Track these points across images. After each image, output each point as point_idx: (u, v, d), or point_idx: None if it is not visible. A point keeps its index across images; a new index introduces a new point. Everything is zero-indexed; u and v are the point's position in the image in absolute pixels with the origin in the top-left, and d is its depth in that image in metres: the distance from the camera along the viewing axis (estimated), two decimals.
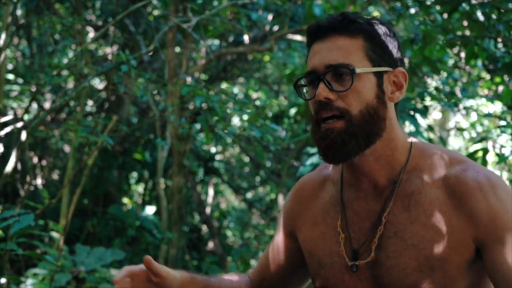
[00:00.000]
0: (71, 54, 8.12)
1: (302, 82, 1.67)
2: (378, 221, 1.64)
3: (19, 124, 5.46)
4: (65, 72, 6.41)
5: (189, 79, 5.85)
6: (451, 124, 9.73)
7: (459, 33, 4.57)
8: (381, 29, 1.63)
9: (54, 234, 5.44)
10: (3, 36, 4.98)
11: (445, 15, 4.53)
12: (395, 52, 1.65)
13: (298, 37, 6.40)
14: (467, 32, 4.55)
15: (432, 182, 1.62)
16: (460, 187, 1.59)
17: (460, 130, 8.15)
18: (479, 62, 5.43)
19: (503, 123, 4.98)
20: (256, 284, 1.89)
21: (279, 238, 1.87)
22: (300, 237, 1.80)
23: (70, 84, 7.51)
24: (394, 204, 1.64)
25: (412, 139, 1.70)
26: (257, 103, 8.74)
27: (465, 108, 6.14)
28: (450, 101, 5.51)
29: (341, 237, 1.68)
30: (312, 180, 1.82)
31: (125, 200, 8.79)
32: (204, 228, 9.80)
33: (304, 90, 1.67)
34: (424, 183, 1.63)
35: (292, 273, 1.86)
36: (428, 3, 4.53)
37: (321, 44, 1.62)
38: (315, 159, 4.79)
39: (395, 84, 1.65)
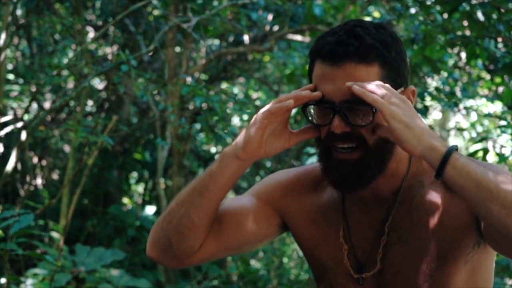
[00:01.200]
0: (71, 54, 8.12)
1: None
2: (381, 231, 1.62)
3: (19, 124, 5.46)
4: (65, 72, 6.40)
5: (189, 79, 5.85)
6: (451, 124, 9.73)
7: (459, 33, 4.57)
8: (394, 49, 1.56)
9: (54, 234, 5.44)
10: (3, 36, 4.98)
11: (445, 15, 4.53)
12: (406, 70, 1.60)
13: (298, 37, 6.40)
14: (467, 32, 4.55)
15: (431, 183, 1.61)
16: None
17: (460, 130, 8.16)
18: (479, 62, 5.43)
19: (503, 123, 4.98)
20: (213, 235, 1.70)
21: (257, 202, 1.73)
22: (293, 228, 1.73)
23: (70, 84, 7.51)
24: (397, 212, 1.62)
25: None
26: (257, 103, 8.73)
27: (465, 108, 6.14)
28: (450, 101, 5.51)
29: (344, 248, 1.66)
30: (315, 173, 1.73)
31: (125, 200, 8.79)
32: None
33: (311, 112, 1.58)
34: (424, 185, 1.62)
35: (249, 237, 1.73)
36: (428, 3, 4.53)
37: (334, 70, 1.52)
38: (315, 159, 4.79)
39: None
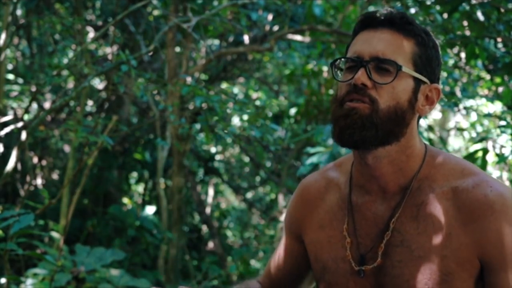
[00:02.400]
0: (71, 54, 8.12)
1: (341, 64, 1.65)
2: (386, 227, 1.62)
3: (19, 124, 5.46)
4: (65, 72, 6.41)
5: (189, 79, 5.85)
6: (451, 124, 9.73)
7: (459, 33, 4.57)
8: (432, 43, 1.61)
9: (54, 234, 5.44)
10: (3, 36, 4.98)
11: (445, 15, 4.53)
12: (437, 69, 1.63)
13: (298, 37, 6.39)
14: (467, 32, 4.55)
15: (442, 193, 1.60)
16: (471, 204, 1.56)
17: (460, 130, 8.15)
18: (479, 62, 5.43)
19: (503, 123, 4.98)
20: None
21: (287, 243, 1.85)
22: (306, 240, 1.78)
23: (70, 84, 7.51)
24: (403, 212, 1.61)
25: (428, 148, 1.67)
26: (257, 103, 8.74)
27: (465, 108, 6.14)
28: (450, 101, 5.52)
29: (347, 242, 1.66)
30: (317, 183, 1.79)
31: (125, 200, 8.79)
32: (204, 228, 9.80)
33: (338, 72, 1.64)
34: (435, 193, 1.60)
35: (301, 277, 1.84)
36: (428, 3, 4.52)
37: (372, 33, 1.59)
38: (315, 159, 4.79)
39: (428, 99, 1.63)
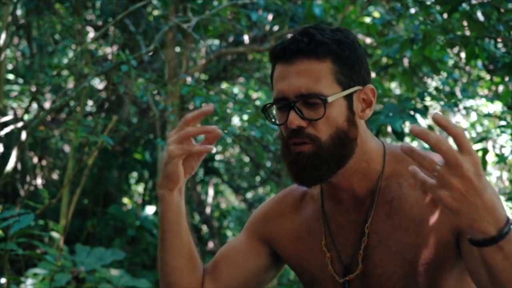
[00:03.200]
0: (71, 54, 8.12)
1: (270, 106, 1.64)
2: (362, 232, 1.63)
3: (19, 124, 5.47)
4: (65, 72, 6.41)
5: (189, 79, 5.85)
6: None
7: (459, 33, 4.57)
8: (348, 48, 1.58)
9: (54, 234, 5.44)
10: (3, 36, 4.99)
11: (445, 15, 4.53)
12: (363, 69, 1.61)
13: None
14: (467, 32, 4.54)
15: (409, 186, 1.61)
16: None
17: None
18: (479, 62, 5.42)
19: (503, 123, 4.98)
20: (209, 279, 1.80)
21: (245, 240, 1.82)
22: (280, 249, 1.78)
23: (70, 84, 7.51)
24: (376, 213, 1.62)
25: (386, 145, 1.67)
26: (257, 103, 8.73)
27: (465, 108, 6.13)
28: (450, 101, 5.51)
29: (327, 257, 1.67)
30: (293, 193, 1.80)
31: (125, 200, 8.79)
32: (204, 228, 9.80)
33: (273, 113, 1.64)
34: (403, 187, 1.61)
35: (249, 276, 1.80)
36: (428, 3, 4.52)
37: (288, 67, 1.57)
38: None
39: (365, 101, 1.62)
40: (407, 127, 5.10)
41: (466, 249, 1.52)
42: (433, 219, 1.57)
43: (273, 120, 1.63)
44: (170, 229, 1.69)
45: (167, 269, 1.77)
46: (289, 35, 1.62)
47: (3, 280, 4.14)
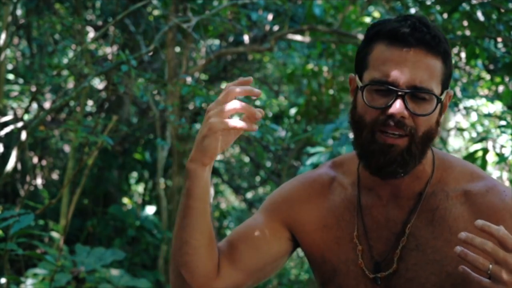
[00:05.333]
0: (71, 54, 8.12)
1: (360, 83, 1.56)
2: (402, 232, 1.60)
3: (19, 124, 5.46)
4: (65, 72, 6.40)
5: (189, 79, 5.85)
6: (451, 124, 9.73)
7: (459, 33, 4.57)
8: (451, 50, 1.57)
9: (54, 234, 5.44)
10: (3, 36, 4.98)
11: (445, 15, 4.53)
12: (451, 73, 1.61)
13: (298, 37, 6.39)
14: (467, 32, 4.55)
15: (455, 197, 1.59)
16: (488, 209, 1.55)
17: (460, 130, 8.16)
18: (479, 62, 5.42)
19: (503, 123, 4.98)
20: (226, 260, 1.69)
21: (265, 221, 1.72)
22: (303, 236, 1.71)
23: (70, 84, 7.51)
24: (418, 217, 1.60)
25: (433, 149, 1.66)
26: (257, 103, 8.74)
27: (465, 108, 6.14)
28: (450, 101, 5.51)
29: (359, 249, 1.64)
30: (321, 178, 1.73)
31: (125, 200, 8.78)
32: None
33: (363, 93, 1.55)
34: (449, 197, 1.60)
35: (267, 259, 1.71)
36: (428, 3, 4.52)
37: (405, 53, 1.51)
38: (315, 159, 4.79)
39: (444, 106, 1.60)
40: None
41: None
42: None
43: (364, 100, 1.54)
44: (196, 207, 1.58)
45: (187, 248, 1.61)
46: (400, 21, 1.54)
47: (3, 280, 4.14)
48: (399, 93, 1.50)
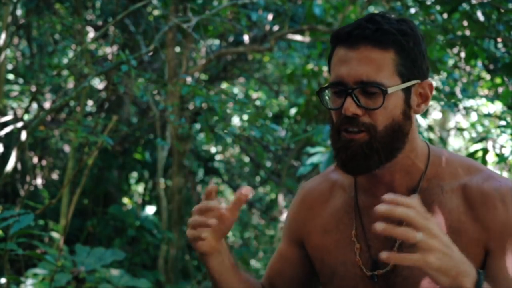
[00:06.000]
0: (71, 54, 8.12)
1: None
2: None
3: (19, 124, 5.46)
4: (65, 72, 6.41)
5: (189, 79, 5.85)
6: (451, 124, 9.73)
7: (459, 33, 4.58)
8: (412, 40, 1.56)
9: (54, 234, 5.44)
10: (3, 36, 4.98)
11: (445, 15, 4.53)
12: (424, 63, 1.59)
13: (298, 37, 6.39)
14: (467, 32, 4.55)
15: (451, 191, 1.60)
16: (482, 197, 1.56)
17: (460, 130, 8.16)
18: (479, 62, 5.43)
19: (503, 123, 4.98)
20: None
21: (285, 249, 1.83)
22: (309, 245, 1.76)
23: (70, 84, 7.51)
24: None
25: (430, 146, 1.67)
26: (257, 103, 8.74)
27: (465, 108, 6.14)
28: (450, 101, 5.51)
29: (356, 247, 1.66)
30: (319, 186, 1.78)
31: (125, 200, 8.79)
32: None
33: (326, 97, 1.61)
34: (444, 191, 1.60)
35: (302, 282, 1.82)
36: (428, 3, 4.53)
37: (349, 52, 1.54)
38: (315, 159, 4.79)
39: (421, 96, 1.60)
40: None
41: (491, 267, 1.54)
42: (470, 229, 1.56)
43: (325, 103, 1.61)
44: (221, 286, 1.71)
45: None
46: (353, 22, 1.59)
47: (3, 280, 4.14)
48: (348, 91, 1.53)
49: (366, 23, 1.55)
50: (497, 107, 6.05)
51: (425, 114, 5.01)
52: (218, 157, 10.85)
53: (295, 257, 1.80)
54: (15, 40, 7.89)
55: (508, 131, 4.71)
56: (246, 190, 1.60)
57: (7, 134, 5.72)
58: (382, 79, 1.52)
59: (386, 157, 1.56)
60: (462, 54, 5.41)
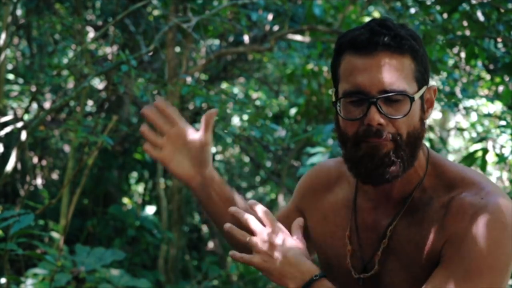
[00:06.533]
0: (71, 54, 8.12)
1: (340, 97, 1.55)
2: (384, 234, 1.61)
3: (19, 124, 5.46)
4: (65, 72, 6.40)
5: (189, 79, 5.85)
6: (451, 124, 9.72)
7: (459, 33, 4.57)
8: (421, 45, 1.54)
9: (54, 234, 5.44)
10: (3, 36, 4.98)
11: (445, 15, 4.53)
12: (429, 68, 1.58)
13: (298, 37, 6.39)
14: (467, 32, 4.55)
15: (438, 203, 1.57)
16: (456, 209, 1.53)
17: (460, 130, 8.15)
18: (479, 62, 5.42)
19: (503, 123, 4.98)
20: None
21: (291, 210, 1.85)
22: (310, 222, 1.78)
23: (70, 84, 7.51)
24: (400, 221, 1.60)
25: (430, 151, 1.64)
26: (257, 103, 8.73)
27: (465, 108, 6.13)
28: (450, 101, 5.51)
29: (348, 249, 1.65)
30: (329, 171, 1.77)
31: (125, 200, 8.79)
32: (204, 228, 9.80)
33: (339, 105, 1.55)
34: (433, 202, 1.57)
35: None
36: (428, 3, 4.52)
37: (368, 59, 1.49)
38: (315, 159, 4.79)
39: (428, 101, 1.58)
40: None
41: (434, 277, 1.51)
42: (438, 240, 1.53)
43: (340, 113, 1.54)
44: (210, 211, 1.80)
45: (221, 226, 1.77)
46: (361, 28, 1.54)
47: (3, 280, 4.13)
48: (371, 100, 1.48)
49: (381, 29, 1.50)
50: (497, 107, 6.05)
51: None
52: (218, 157, 10.85)
53: (294, 218, 1.79)
54: (15, 40, 7.89)
55: (508, 131, 4.71)
56: (211, 111, 1.66)
57: (7, 134, 5.72)
58: (405, 87, 1.49)
59: (409, 165, 1.54)
60: (462, 54, 5.41)
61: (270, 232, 1.57)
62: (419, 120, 1.54)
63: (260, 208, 1.60)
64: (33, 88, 6.42)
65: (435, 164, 1.62)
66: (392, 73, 1.48)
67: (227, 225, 1.60)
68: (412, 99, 1.49)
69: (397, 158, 1.51)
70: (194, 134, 1.69)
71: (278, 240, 1.56)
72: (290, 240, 1.58)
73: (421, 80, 1.53)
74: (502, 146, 4.83)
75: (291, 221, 1.75)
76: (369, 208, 1.65)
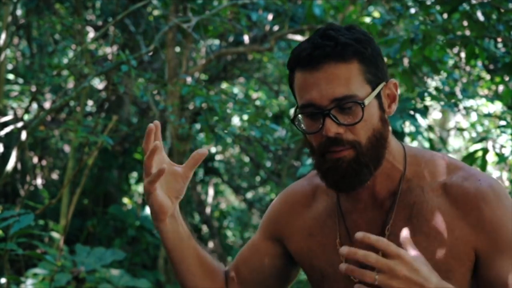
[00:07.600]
0: (71, 54, 8.12)
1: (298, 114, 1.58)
2: (381, 234, 1.61)
3: (19, 124, 5.46)
4: (65, 72, 6.41)
5: (189, 79, 5.86)
6: (451, 124, 9.73)
7: (459, 33, 4.57)
8: (369, 45, 1.55)
9: (54, 234, 5.44)
10: (3, 36, 4.99)
11: (445, 15, 4.53)
12: (383, 64, 1.59)
13: (298, 37, 6.40)
14: (467, 32, 4.54)
15: (432, 191, 1.60)
16: (464, 197, 1.56)
17: (460, 130, 8.15)
18: (479, 62, 5.42)
19: (503, 123, 4.98)
20: (234, 285, 1.83)
21: (260, 240, 1.82)
22: (292, 246, 1.76)
23: (70, 84, 7.51)
24: (396, 216, 1.61)
25: (405, 146, 1.66)
26: (257, 103, 8.73)
27: (465, 108, 6.13)
28: (450, 101, 5.51)
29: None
30: (303, 189, 1.78)
31: (125, 200, 8.79)
32: (204, 228, 9.80)
33: (299, 121, 1.59)
34: (425, 191, 1.60)
35: (268, 276, 1.81)
36: (428, 3, 4.52)
37: (315, 73, 1.52)
38: None
39: (389, 97, 1.60)
40: (407, 126, 5.10)
41: (483, 273, 1.54)
42: (458, 232, 1.56)
43: (301, 129, 1.58)
44: (175, 256, 1.72)
45: (187, 284, 1.77)
46: (306, 42, 1.57)
47: (3, 280, 4.14)
48: (324, 112, 1.52)
49: (322, 41, 1.53)
50: (497, 107, 6.04)
51: (425, 114, 5.01)
52: (218, 157, 10.85)
53: (266, 251, 1.80)
54: (15, 40, 7.89)
55: (508, 131, 4.71)
56: (203, 150, 1.64)
57: (7, 134, 5.72)
58: (355, 92, 1.51)
59: (375, 168, 1.56)
60: (462, 54, 5.41)
61: (403, 266, 1.43)
62: (379, 120, 1.55)
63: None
64: (33, 88, 6.43)
65: (413, 154, 1.65)
66: (340, 82, 1.51)
67: (344, 266, 1.44)
68: (362, 104, 1.51)
69: (359, 165, 1.53)
70: (177, 167, 1.69)
71: (411, 272, 1.44)
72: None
73: (375, 80, 1.55)
74: (502, 146, 4.83)
75: (262, 253, 1.79)
76: (358, 209, 1.65)
